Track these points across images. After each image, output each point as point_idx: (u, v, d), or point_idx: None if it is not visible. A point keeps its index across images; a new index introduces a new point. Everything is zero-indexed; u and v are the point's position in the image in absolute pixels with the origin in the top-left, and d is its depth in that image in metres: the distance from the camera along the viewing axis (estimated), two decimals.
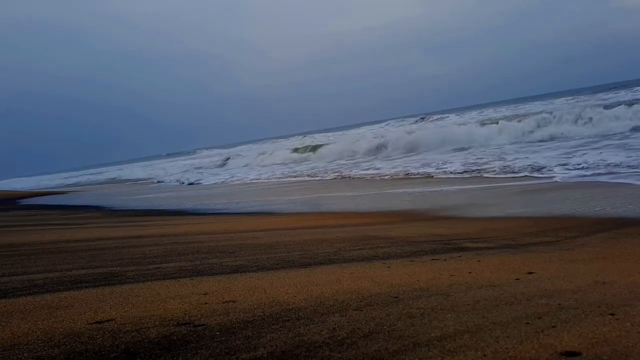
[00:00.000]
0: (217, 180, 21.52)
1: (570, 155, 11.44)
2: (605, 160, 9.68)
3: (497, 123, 20.61)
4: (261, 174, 21.22)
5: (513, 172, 10.29)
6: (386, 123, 42.77)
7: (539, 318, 1.82)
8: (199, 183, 21.69)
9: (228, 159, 34.48)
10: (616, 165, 8.97)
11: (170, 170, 35.33)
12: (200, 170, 31.01)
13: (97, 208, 12.26)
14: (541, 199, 6.67)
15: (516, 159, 12.38)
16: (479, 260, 3.15)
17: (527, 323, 1.77)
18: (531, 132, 18.05)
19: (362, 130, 41.44)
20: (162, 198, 14.59)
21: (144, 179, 32.82)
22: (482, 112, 35.85)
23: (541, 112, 23.79)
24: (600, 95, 30.08)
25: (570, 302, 2.02)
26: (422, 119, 39.05)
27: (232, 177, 22.15)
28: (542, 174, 9.50)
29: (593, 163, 9.68)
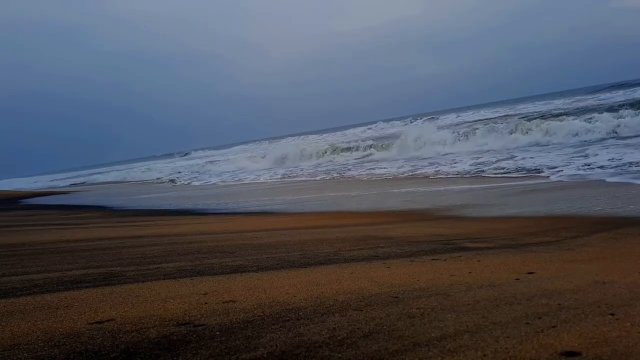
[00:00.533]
0: (203, 182, 21.50)
1: (576, 156, 11.45)
2: (618, 159, 9.71)
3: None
4: (260, 175, 21.21)
5: (525, 171, 10.30)
6: (374, 125, 42.78)
7: (539, 318, 1.82)
8: (189, 184, 21.68)
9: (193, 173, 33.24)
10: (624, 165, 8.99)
11: (166, 172, 35.12)
12: (196, 173, 30.80)
13: (99, 208, 12.27)
14: (542, 199, 6.67)
15: (524, 158, 12.40)
16: (479, 260, 3.15)
17: (527, 323, 1.77)
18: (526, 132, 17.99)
19: (357, 130, 41.49)
20: (162, 198, 14.60)
21: (138, 180, 32.71)
22: (479, 111, 35.96)
23: (539, 111, 23.78)
24: (599, 94, 30.14)
25: (570, 302, 2.02)
26: (415, 119, 39.21)
27: (234, 177, 22.14)
28: (549, 173, 9.51)
29: (599, 162, 9.71)
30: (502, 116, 26.26)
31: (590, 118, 17.05)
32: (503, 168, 11.24)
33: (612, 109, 18.23)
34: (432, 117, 37.57)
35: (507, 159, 12.88)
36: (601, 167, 9.21)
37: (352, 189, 11.40)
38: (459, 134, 20.25)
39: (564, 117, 18.73)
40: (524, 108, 31.36)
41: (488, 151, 16.03)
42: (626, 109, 17.20)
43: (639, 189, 6.50)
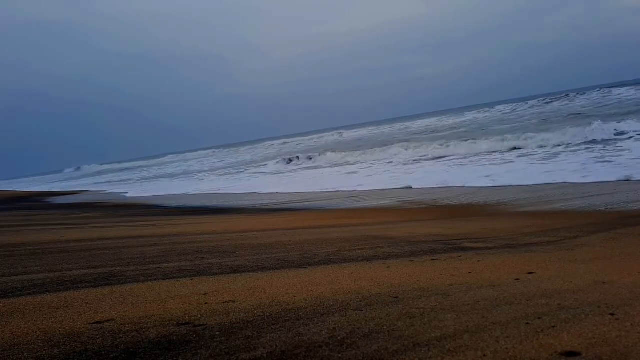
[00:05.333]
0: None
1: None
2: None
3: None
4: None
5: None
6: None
7: (539, 318, 1.82)
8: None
9: None
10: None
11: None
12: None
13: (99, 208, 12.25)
14: (543, 198, 6.68)
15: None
16: (479, 260, 3.15)
17: (527, 323, 1.77)
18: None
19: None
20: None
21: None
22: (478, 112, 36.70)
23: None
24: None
25: (570, 302, 2.02)
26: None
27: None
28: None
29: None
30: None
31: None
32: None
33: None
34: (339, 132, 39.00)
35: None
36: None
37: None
38: None
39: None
40: (524, 108, 31.79)
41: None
42: None
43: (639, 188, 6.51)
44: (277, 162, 24.73)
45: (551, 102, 32.51)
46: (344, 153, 20.81)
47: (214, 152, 55.76)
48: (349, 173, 15.75)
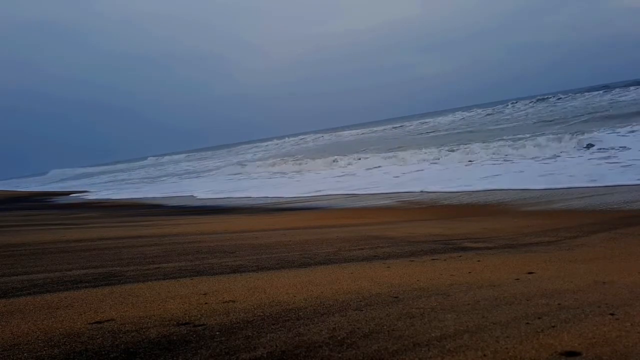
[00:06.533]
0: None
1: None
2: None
3: None
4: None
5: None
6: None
7: (539, 318, 1.82)
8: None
9: None
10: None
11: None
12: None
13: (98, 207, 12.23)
14: (543, 200, 6.67)
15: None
16: (479, 260, 3.15)
17: (527, 323, 1.77)
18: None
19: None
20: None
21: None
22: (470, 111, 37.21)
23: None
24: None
25: (570, 302, 2.02)
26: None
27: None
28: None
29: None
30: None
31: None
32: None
33: None
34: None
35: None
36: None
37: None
38: None
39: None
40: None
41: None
42: None
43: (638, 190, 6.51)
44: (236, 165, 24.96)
45: (540, 102, 32.57)
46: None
47: (188, 156, 55.81)
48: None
